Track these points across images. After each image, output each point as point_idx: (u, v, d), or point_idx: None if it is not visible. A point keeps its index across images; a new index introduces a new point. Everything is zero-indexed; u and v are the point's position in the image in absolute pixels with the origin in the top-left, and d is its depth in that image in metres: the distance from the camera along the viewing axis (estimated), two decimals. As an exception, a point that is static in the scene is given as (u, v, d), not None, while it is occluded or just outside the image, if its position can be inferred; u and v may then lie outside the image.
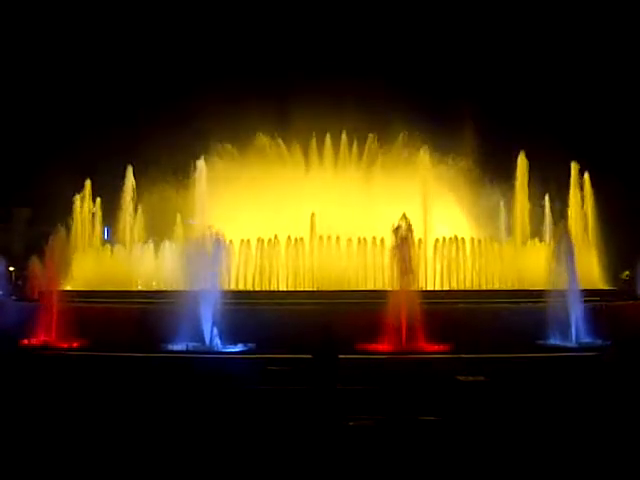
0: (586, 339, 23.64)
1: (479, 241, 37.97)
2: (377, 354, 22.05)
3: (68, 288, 31.44)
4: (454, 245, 37.38)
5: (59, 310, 24.78)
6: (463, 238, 37.63)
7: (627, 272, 42.23)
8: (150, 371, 18.79)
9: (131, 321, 25.10)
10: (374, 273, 36.14)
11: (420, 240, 34.17)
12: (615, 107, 52.39)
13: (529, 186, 42.30)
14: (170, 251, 37.10)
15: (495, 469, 10.25)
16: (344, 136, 44.33)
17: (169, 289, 32.41)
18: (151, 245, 38.35)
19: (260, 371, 17.90)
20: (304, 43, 54.84)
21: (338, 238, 37.15)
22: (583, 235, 40.29)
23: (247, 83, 49.28)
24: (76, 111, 54.24)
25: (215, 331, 23.47)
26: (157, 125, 45.99)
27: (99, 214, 42.66)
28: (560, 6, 57.94)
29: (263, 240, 36.93)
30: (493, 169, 43.11)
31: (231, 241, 33.14)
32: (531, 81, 54.99)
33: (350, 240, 37.06)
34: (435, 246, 37.16)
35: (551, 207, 41.97)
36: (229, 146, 43.80)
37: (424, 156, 41.17)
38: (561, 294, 24.24)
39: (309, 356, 14.65)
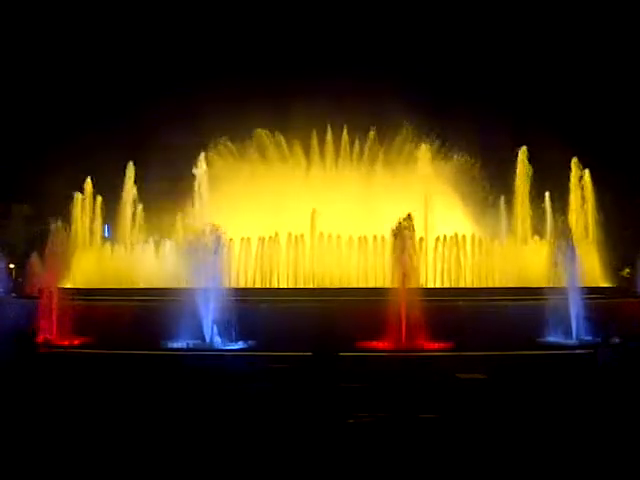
0: (587, 337, 23.64)
1: (480, 239, 37.97)
2: (377, 352, 22.07)
3: (68, 286, 31.45)
4: (455, 243, 37.38)
5: (60, 308, 24.79)
6: (464, 236, 37.62)
7: (628, 269, 42.14)
8: (151, 368, 18.82)
9: (132, 319, 25.11)
10: (375, 271, 36.13)
11: (421, 238, 34.17)
12: (616, 104, 52.30)
13: (530, 183, 42.30)
14: (170, 249, 37.12)
15: (494, 466, 10.25)
16: (345, 133, 44.33)
17: (169, 286, 32.42)
18: (151, 243, 38.36)
19: (260, 368, 17.91)
20: (304, 39, 54.79)
21: (339, 236, 37.16)
22: (584, 232, 40.28)
23: (247, 80, 49.27)
24: (77, 108, 54.17)
25: (215, 329, 23.50)
26: (158, 122, 45.90)
27: (99, 212, 42.66)
28: (561, 3, 57.87)
29: (264, 238, 36.93)
30: (494, 166, 43.08)
31: (231, 239, 33.14)
32: (533, 78, 54.89)
33: (351, 237, 37.07)
34: (436, 244, 37.16)
35: (552, 205, 41.93)
36: (229, 143, 43.81)
37: (425, 153, 41.18)
38: (561, 291, 24.25)
39: (310, 353, 14.66)
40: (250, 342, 23.27)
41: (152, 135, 44.89)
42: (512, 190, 42.53)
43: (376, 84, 45.50)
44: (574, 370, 17.80)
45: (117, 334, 22.86)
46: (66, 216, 37.91)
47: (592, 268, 36.46)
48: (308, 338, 15.72)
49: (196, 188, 39.68)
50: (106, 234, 45.05)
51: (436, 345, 22.67)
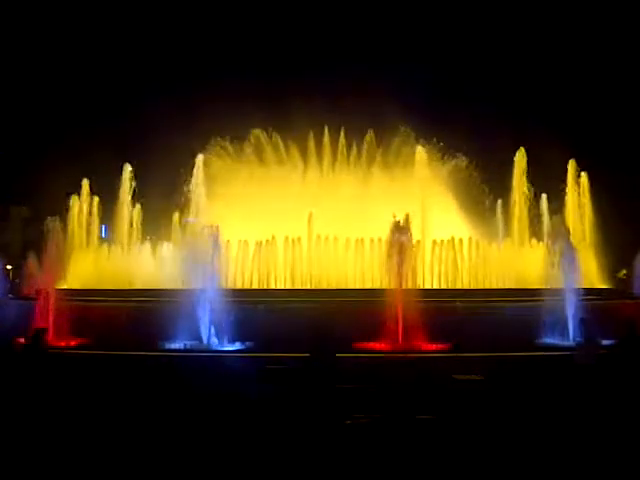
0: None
1: (477, 242, 38.00)
2: (374, 353, 22.04)
3: (65, 287, 31.42)
4: (452, 247, 37.40)
5: (56, 308, 24.74)
6: (461, 239, 37.65)
7: (624, 271, 42.24)
8: (148, 369, 18.78)
9: (129, 320, 25.09)
10: (372, 272, 36.17)
11: (418, 241, 34.21)
12: (614, 106, 52.42)
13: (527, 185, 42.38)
14: (167, 249, 37.14)
15: (490, 467, 10.28)
16: (342, 135, 44.39)
17: (167, 287, 32.42)
18: (148, 244, 38.37)
19: (257, 369, 17.89)
20: (301, 41, 54.86)
21: (336, 238, 37.18)
22: (581, 234, 40.35)
23: (245, 81, 49.27)
24: (74, 110, 54.18)
25: (213, 330, 23.46)
26: (155, 124, 45.92)
27: (96, 213, 42.66)
28: (559, 3, 58.01)
29: (261, 240, 36.97)
30: (492, 168, 43.16)
31: (229, 240, 33.16)
32: (531, 80, 55.01)
33: (348, 240, 37.10)
34: (433, 247, 37.19)
35: (549, 207, 42.00)
36: (227, 145, 43.84)
37: (422, 155, 41.24)
38: (558, 292, 24.25)
39: (307, 355, 14.66)
40: (247, 343, 23.22)
41: (149, 136, 44.91)
42: (509, 192, 42.62)
43: (373, 86, 45.58)
44: (571, 371, 17.81)
45: (114, 335, 22.81)
46: (63, 217, 37.92)
47: (589, 270, 36.56)
48: (305, 339, 15.71)
49: (194, 189, 39.72)
50: (103, 235, 45.03)
51: (433, 346, 22.66)
